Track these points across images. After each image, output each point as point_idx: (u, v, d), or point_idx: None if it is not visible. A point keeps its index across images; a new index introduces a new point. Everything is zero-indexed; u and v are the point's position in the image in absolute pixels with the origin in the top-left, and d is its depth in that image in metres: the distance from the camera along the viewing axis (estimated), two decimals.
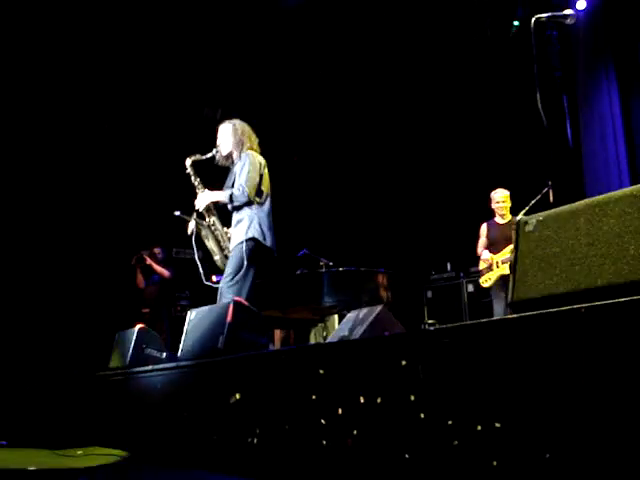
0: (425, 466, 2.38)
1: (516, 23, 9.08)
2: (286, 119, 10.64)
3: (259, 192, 5.23)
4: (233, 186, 5.19)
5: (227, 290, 4.99)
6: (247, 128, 5.46)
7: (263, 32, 9.55)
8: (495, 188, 7.28)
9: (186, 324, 4.60)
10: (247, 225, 5.12)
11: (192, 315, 4.61)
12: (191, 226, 5.31)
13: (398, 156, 10.51)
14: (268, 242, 5.18)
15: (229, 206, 5.25)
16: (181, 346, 4.53)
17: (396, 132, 10.50)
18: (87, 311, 8.99)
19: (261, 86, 10.10)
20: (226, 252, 5.29)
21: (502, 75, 9.01)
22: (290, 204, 10.46)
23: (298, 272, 7.71)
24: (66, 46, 8.68)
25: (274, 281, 7.11)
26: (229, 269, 5.06)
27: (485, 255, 6.88)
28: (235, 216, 5.26)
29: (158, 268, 8.68)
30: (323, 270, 7.01)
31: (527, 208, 6.92)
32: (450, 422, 2.30)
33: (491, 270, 6.84)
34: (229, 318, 4.08)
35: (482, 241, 7.08)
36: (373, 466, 2.60)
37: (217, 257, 5.34)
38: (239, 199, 5.14)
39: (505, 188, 7.28)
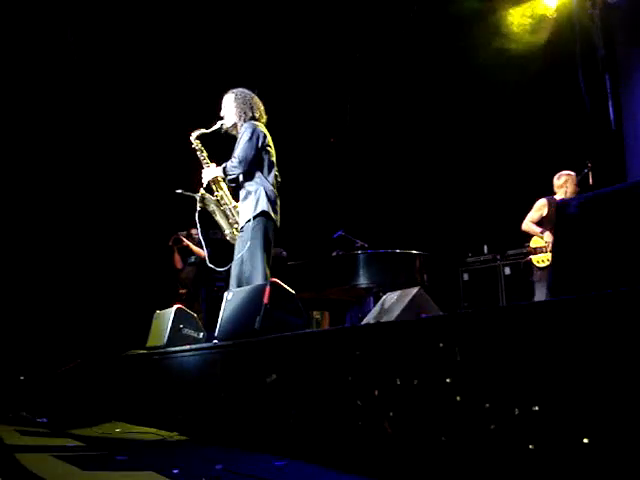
0: (462, 449, 2.38)
1: None
2: (323, 100, 10.61)
3: (262, 164, 5.17)
4: None
5: (249, 266, 4.99)
6: (250, 96, 5.37)
7: (299, 12, 9.52)
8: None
9: (223, 304, 4.63)
10: (256, 199, 5.06)
11: (229, 296, 4.63)
12: (197, 203, 5.26)
13: (434, 137, 10.42)
14: (275, 215, 5.11)
15: (226, 179, 5.19)
16: (218, 326, 4.56)
17: (433, 112, 10.41)
18: (126, 291, 9.10)
19: (298, 68, 10.07)
20: (235, 227, 5.23)
21: (542, 54, 8.86)
22: (326, 186, 10.47)
23: (334, 254, 7.71)
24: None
25: (310, 263, 7.13)
26: (243, 245, 5.03)
27: (548, 237, 6.61)
28: (242, 189, 5.19)
29: (195, 248, 8.73)
30: (359, 252, 6.99)
31: None
32: (487, 405, 2.29)
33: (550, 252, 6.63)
34: (266, 299, 4.09)
35: (534, 215, 6.74)
36: (409, 448, 2.60)
37: (227, 232, 5.28)
38: (231, 171, 5.09)
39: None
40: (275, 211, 5.11)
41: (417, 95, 10.35)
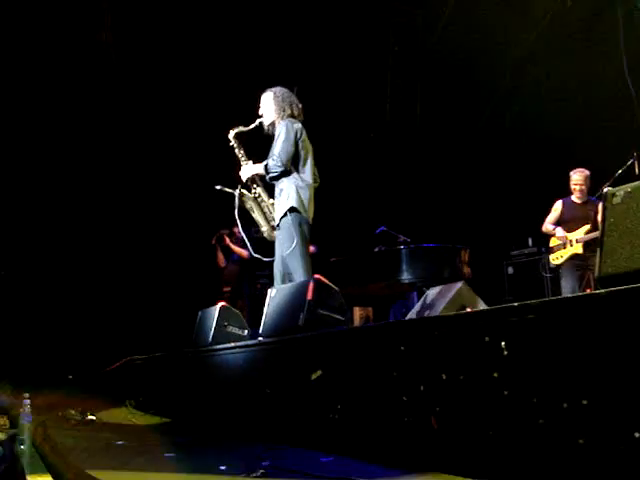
0: (509, 444, 2.35)
1: None
2: (363, 96, 10.58)
3: (296, 160, 5.16)
4: None
5: (289, 263, 5.02)
6: (288, 94, 5.38)
7: (337, 7, 9.52)
8: (578, 160, 7.07)
9: (267, 302, 4.64)
10: (287, 195, 5.07)
11: (273, 293, 4.64)
12: (236, 199, 5.29)
13: (476, 130, 10.33)
14: (306, 212, 5.08)
15: (267, 177, 5.21)
16: (262, 323, 4.58)
17: (473, 106, 10.32)
18: (171, 290, 9.19)
19: (338, 64, 10.06)
20: (272, 223, 5.24)
21: (585, 44, 8.73)
22: (368, 181, 10.44)
23: (376, 249, 7.70)
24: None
25: (353, 258, 7.12)
26: (282, 243, 5.05)
27: (560, 232, 6.76)
28: (276, 186, 5.21)
29: (236, 248, 8.76)
30: (402, 247, 6.96)
31: (612, 180, 6.72)
32: (535, 400, 2.26)
33: (564, 248, 6.74)
34: (309, 296, 4.09)
35: (551, 217, 6.96)
36: (456, 443, 2.58)
37: (264, 229, 5.31)
38: (273, 169, 5.11)
39: (589, 159, 7.07)
40: (306, 206, 5.09)
41: (457, 88, 10.27)
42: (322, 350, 3.65)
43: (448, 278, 6.47)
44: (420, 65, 10.47)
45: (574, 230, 6.73)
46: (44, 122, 8.81)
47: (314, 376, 3.52)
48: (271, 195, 5.31)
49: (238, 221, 5.24)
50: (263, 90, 5.47)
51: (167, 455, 3.56)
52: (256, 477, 2.84)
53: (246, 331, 5.54)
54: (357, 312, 8.75)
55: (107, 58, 9.06)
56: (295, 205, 5.02)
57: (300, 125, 5.24)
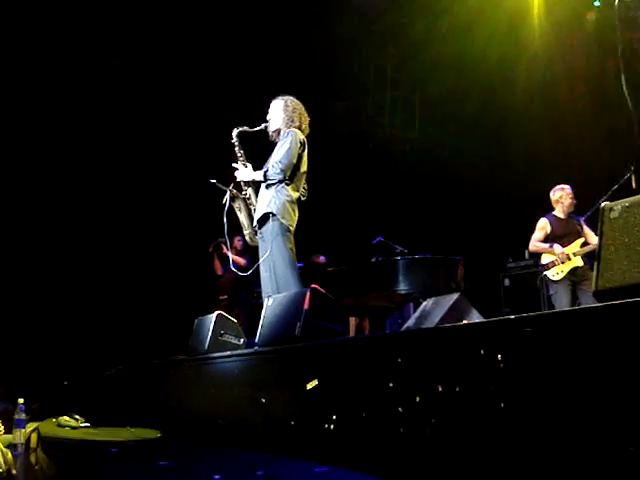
0: (505, 456, 2.35)
1: (597, 3, 8.81)
2: (361, 107, 10.62)
3: (294, 172, 5.18)
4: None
5: (263, 269, 5.09)
6: (299, 106, 5.42)
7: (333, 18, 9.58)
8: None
9: (263, 311, 4.64)
10: (267, 201, 5.11)
11: (269, 302, 4.64)
12: (226, 196, 5.31)
13: (472, 140, 10.35)
14: (285, 221, 5.08)
15: (264, 185, 5.23)
16: (258, 333, 4.58)
17: (468, 115, 10.34)
18: (167, 298, 9.18)
19: (335, 75, 10.09)
20: (256, 227, 5.28)
21: (584, 56, 8.77)
22: (366, 192, 10.46)
23: (373, 259, 7.71)
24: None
25: (350, 269, 7.11)
26: (261, 250, 5.13)
27: (559, 249, 6.77)
28: (261, 188, 5.26)
29: (234, 257, 8.75)
30: (399, 257, 6.96)
31: (609, 194, 6.73)
32: (531, 412, 2.26)
33: (563, 263, 6.76)
34: (306, 305, 4.09)
35: (540, 235, 7.00)
36: (451, 455, 2.58)
37: (247, 232, 5.37)
38: (273, 177, 5.14)
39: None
40: (286, 215, 5.10)
41: (455, 99, 10.30)
42: (318, 360, 3.65)
43: (445, 289, 6.47)
44: (418, 77, 10.49)
45: (567, 245, 6.79)
46: (44, 125, 8.81)
47: (310, 386, 3.52)
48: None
49: (225, 220, 5.26)
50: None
51: (161, 463, 3.55)
52: None
53: (242, 340, 5.53)
54: (353, 322, 8.74)
55: (108, 61, 9.08)
56: (274, 212, 5.06)
57: (304, 139, 5.27)
